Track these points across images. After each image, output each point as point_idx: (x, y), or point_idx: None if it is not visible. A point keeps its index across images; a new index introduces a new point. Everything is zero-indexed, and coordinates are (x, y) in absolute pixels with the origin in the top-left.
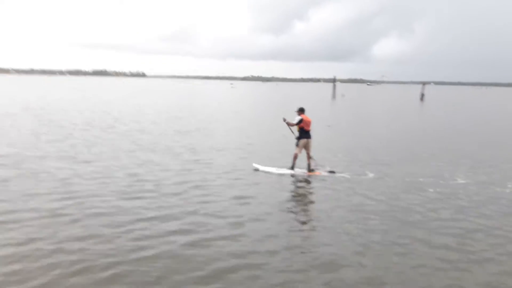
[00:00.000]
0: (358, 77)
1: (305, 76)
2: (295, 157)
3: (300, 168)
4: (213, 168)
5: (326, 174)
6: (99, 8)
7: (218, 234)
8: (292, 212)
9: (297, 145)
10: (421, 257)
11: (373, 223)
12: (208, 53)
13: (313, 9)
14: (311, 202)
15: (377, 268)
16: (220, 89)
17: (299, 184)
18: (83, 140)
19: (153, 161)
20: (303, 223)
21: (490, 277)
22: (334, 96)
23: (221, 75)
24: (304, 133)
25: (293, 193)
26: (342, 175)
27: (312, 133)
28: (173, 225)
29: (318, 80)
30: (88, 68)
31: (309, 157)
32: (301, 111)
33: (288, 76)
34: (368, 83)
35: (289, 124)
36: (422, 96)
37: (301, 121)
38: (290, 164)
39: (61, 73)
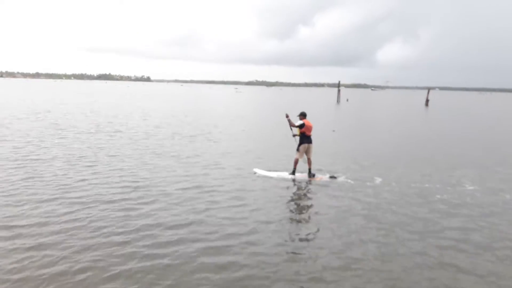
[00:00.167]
0: (362, 82)
1: (309, 81)
2: (296, 162)
3: (301, 172)
4: (217, 173)
5: (327, 179)
6: (105, 13)
7: (218, 243)
8: (292, 219)
9: (298, 150)
10: (430, 270)
11: (379, 232)
12: (213, 57)
13: (319, 15)
14: (312, 207)
15: (386, 278)
16: (225, 93)
17: (300, 190)
18: (89, 144)
19: (158, 165)
20: (304, 230)
21: None
22: (338, 101)
23: (225, 79)
24: (305, 138)
25: (293, 199)
26: (347, 180)
27: (317, 138)
28: (176, 233)
29: (322, 85)
30: (93, 72)
31: (310, 162)
32: (302, 115)
33: (292, 81)
34: (372, 88)
35: (290, 122)
36: (427, 102)
37: (302, 125)
38: (291, 169)
39: (67, 76)
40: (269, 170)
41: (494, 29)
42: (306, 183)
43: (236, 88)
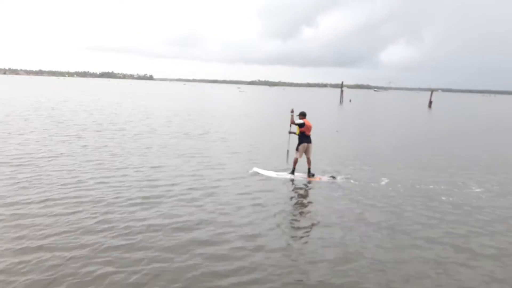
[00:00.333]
0: (365, 83)
1: (311, 81)
2: (295, 161)
3: (300, 172)
4: (217, 172)
5: (327, 179)
6: (108, 12)
7: (218, 246)
8: (292, 219)
9: (297, 149)
10: (437, 275)
11: (380, 234)
12: (216, 57)
13: (322, 15)
14: (312, 209)
15: (389, 281)
16: (228, 92)
17: (299, 190)
18: (94, 142)
19: (164, 164)
20: (304, 231)
21: None
22: (341, 101)
23: (228, 79)
24: (304, 137)
25: (291, 199)
26: (349, 180)
27: (321, 138)
28: (184, 235)
29: (325, 85)
30: (96, 70)
31: (309, 162)
32: (302, 115)
33: (295, 81)
34: (375, 89)
35: (292, 119)
36: (430, 103)
37: (303, 125)
38: (290, 169)
39: (70, 74)
40: (268, 170)
41: (498, 31)
42: (305, 183)
43: (239, 88)
